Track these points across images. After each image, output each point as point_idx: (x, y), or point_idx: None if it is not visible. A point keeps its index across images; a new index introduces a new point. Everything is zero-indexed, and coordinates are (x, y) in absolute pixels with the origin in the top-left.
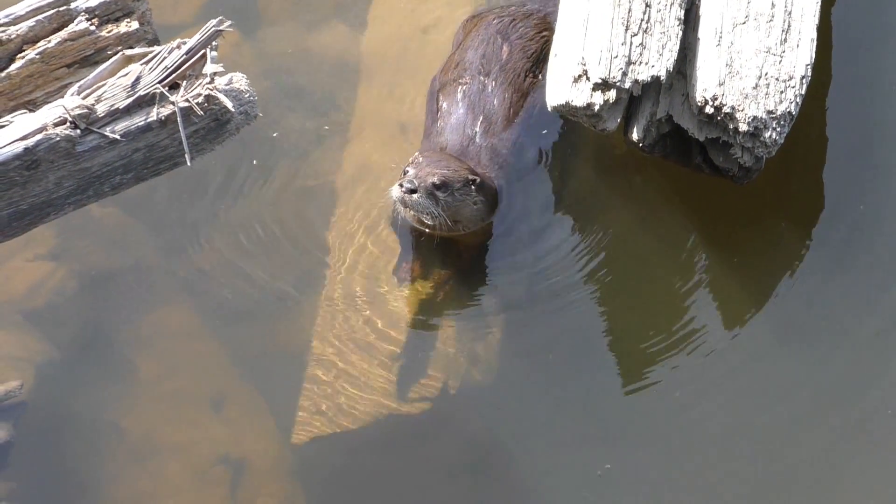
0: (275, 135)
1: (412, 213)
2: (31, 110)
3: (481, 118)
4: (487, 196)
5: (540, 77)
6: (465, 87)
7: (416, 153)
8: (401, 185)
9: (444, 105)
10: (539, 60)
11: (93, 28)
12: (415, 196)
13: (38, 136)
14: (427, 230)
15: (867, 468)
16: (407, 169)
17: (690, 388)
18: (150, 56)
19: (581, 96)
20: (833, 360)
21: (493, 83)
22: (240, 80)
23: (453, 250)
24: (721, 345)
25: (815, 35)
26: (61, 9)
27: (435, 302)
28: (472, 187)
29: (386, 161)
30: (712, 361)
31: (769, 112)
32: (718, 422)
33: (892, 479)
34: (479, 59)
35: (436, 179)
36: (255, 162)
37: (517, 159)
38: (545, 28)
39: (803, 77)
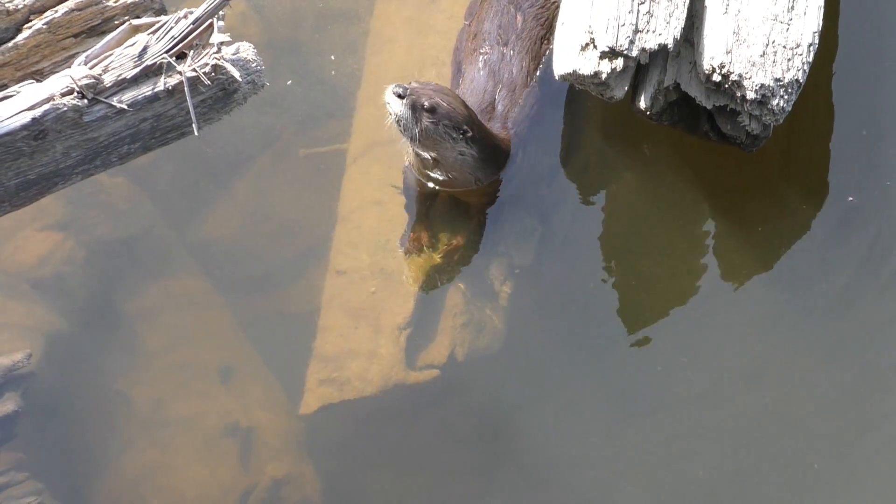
0: (289, 82)
1: (402, 133)
2: (38, 80)
3: (500, 86)
4: (481, 153)
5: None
6: (485, 57)
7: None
8: (395, 90)
9: (466, 72)
10: (552, 27)
11: None
12: (402, 102)
13: (46, 107)
14: (433, 185)
15: (877, 434)
16: (411, 82)
17: (699, 355)
18: (157, 26)
19: (588, 65)
20: (839, 327)
21: (512, 52)
22: (247, 50)
23: (461, 215)
24: (728, 311)
25: (822, 2)
26: None
27: (443, 270)
28: (461, 135)
29: (396, 131)
30: (719, 327)
31: (776, 80)
32: (727, 386)
33: None
34: (496, 30)
35: (427, 102)
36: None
37: (532, 126)
38: None
39: (811, 45)
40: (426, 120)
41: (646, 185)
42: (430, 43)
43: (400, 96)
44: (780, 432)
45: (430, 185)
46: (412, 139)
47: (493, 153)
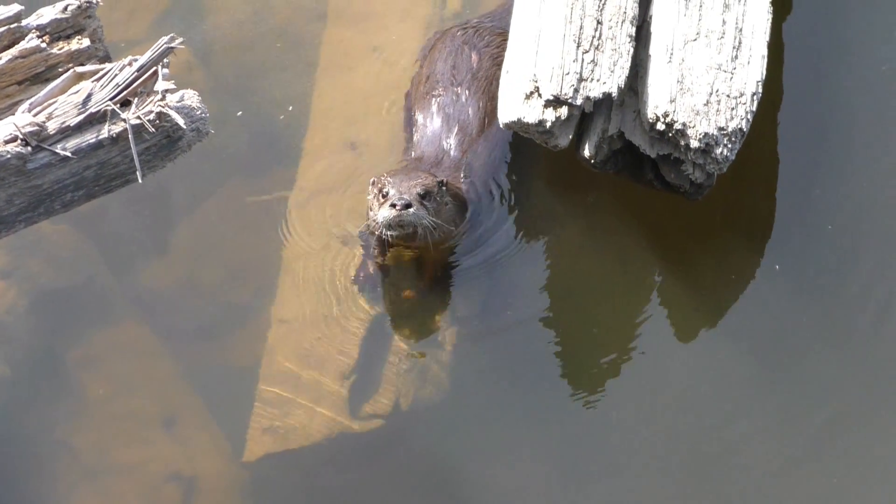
0: (239, 113)
1: (401, 231)
2: None
3: (456, 129)
4: (455, 197)
5: None
6: (439, 100)
7: (378, 176)
8: (393, 206)
9: (420, 118)
10: None
11: (44, 45)
12: (411, 210)
13: None
14: (409, 248)
15: (825, 482)
16: (386, 191)
17: (643, 404)
18: (101, 73)
19: (533, 113)
20: (785, 372)
21: (467, 92)
22: (192, 97)
23: (414, 266)
24: (672, 359)
25: (766, 52)
26: (12, 26)
27: (388, 319)
28: (444, 188)
29: (340, 179)
30: (665, 377)
31: (720, 128)
32: (672, 437)
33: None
34: (449, 70)
35: (419, 190)
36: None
37: (489, 172)
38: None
39: (754, 94)
40: (428, 203)
41: (591, 232)
42: (375, 90)
43: (407, 206)
44: (725, 481)
45: (410, 252)
46: (435, 227)
47: (459, 196)
